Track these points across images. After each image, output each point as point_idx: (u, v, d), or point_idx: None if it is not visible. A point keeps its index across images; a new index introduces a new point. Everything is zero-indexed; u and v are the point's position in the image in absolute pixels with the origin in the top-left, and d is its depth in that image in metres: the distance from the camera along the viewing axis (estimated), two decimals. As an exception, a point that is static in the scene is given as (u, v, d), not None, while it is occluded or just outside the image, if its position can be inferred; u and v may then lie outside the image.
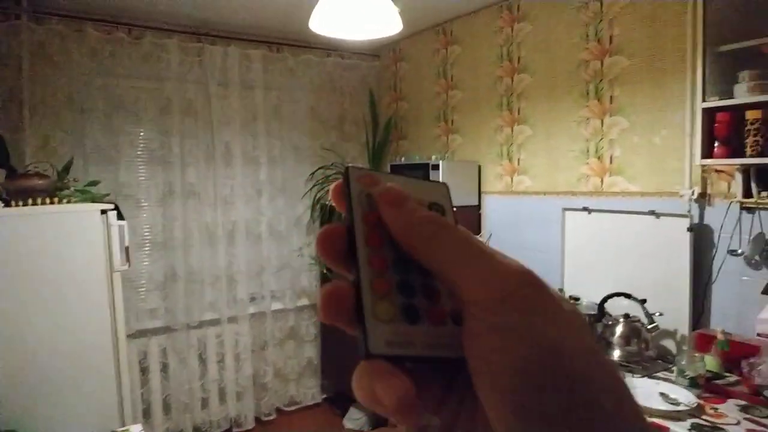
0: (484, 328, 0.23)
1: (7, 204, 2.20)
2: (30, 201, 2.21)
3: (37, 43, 2.96)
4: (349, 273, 0.26)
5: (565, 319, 0.23)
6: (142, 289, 3.39)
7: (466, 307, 0.24)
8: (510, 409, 0.22)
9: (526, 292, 0.23)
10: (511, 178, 3.21)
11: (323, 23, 1.95)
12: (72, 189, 2.48)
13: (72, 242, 2.29)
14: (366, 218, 0.27)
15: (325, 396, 4.07)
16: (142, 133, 3.35)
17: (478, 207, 3.40)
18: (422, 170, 3.27)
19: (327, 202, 3.89)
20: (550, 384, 0.21)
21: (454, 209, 0.30)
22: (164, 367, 3.44)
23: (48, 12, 2.98)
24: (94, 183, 2.63)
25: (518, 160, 3.17)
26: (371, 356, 0.23)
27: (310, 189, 3.91)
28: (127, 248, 2.45)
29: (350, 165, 0.29)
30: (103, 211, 2.36)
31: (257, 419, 3.76)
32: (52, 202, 2.28)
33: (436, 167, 3.19)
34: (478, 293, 0.24)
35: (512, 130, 3.19)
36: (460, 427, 0.26)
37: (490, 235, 3.30)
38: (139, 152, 3.35)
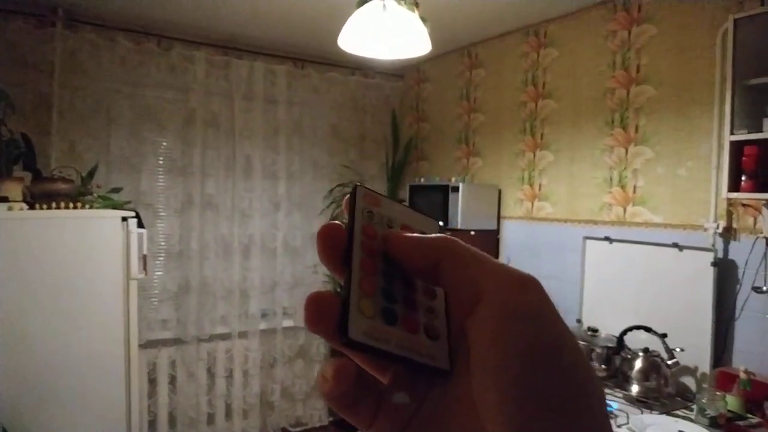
0: (500, 312, 0.24)
1: (32, 206, 2.22)
2: (53, 204, 2.23)
3: (70, 50, 3.02)
4: (336, 274, 0.28)
5: (561, 319, 0.25)
6: (155, 299, 3.39)
7: (483, 295, 0.25)
8: (515, 392, 0.22)
9: (538, 285, 0.25)
10: (532, 204, 3.18)
11: (352, 41, 1.96)
12: (95, 195, 2.50)
13: (92, 247, 2.30)
14: (365, 229, 0.30)
15: (331, 419, 4.00)
16: (164, 143, 3.38)
17: (497, 232, 3.37)
18: (442, 192, 3.26)
19: (343, 219, 3.87)
20: (556, 370, 0.23)
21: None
22: (172, 380, 3.41)
23: (82, 21, 3.05)
24: (116, 190, 2.66)
25: (539, 185, 3.15)
26: (350, 342, 0.25)
27: (328, 206, 3.91)
28: (144, 256, 2.46)
29: (359, 184, 0.33)
30: (124, 218, 2.38)
31: (262, 438, 3.71)
32: (74, 207, 2.30)
33: (455, 189, 3.17)
34: (498, 279, 0.25)
35: (534, 156, 3.18)
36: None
37: (509, 260, 3.26)
38: (161, 161, 3.38)
